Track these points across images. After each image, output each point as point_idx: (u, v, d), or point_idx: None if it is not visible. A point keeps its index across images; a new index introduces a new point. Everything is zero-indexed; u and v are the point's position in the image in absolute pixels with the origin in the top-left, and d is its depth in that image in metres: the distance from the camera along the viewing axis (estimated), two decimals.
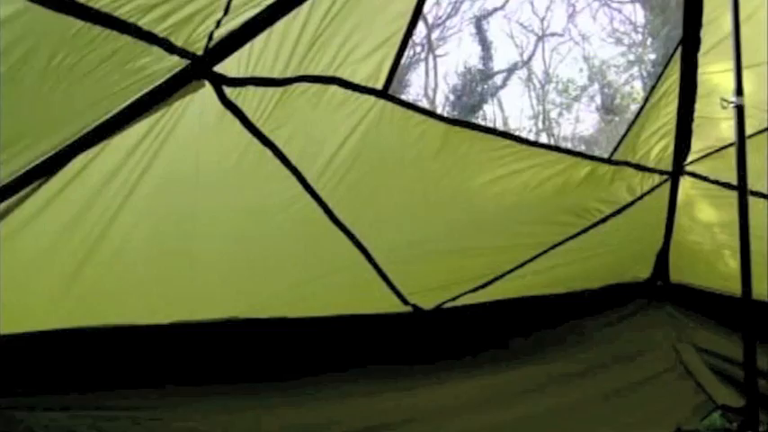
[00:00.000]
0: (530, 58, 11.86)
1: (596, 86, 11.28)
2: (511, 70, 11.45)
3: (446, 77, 12.02)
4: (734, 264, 2.49)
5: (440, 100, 11.77)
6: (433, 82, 11.71)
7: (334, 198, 1.79)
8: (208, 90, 1.35)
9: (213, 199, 1.65)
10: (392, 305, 2.24)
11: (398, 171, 1.87)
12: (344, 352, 2.22)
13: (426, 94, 11.72)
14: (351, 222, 1.88)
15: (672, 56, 2.01)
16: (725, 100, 1.65)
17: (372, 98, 1.64)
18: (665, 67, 2.07)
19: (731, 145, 2.01)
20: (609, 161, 2.31)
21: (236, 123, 1.46)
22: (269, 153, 1.58)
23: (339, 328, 2.16)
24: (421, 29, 11.33)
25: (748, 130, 1.91)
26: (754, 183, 2.03)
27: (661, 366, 2.51)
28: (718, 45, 1.76)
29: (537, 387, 2.32)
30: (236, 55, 1.30)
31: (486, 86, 11.17)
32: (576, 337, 2.61)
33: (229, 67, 1.34)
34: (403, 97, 12.09)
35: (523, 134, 13.06)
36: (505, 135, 2.09)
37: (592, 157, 2.29)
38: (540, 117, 12.48)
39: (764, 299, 2.24)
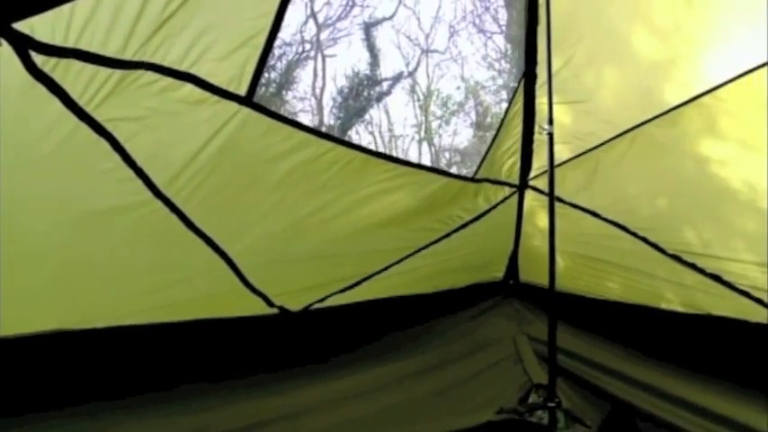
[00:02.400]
0: (414, 70, 12.62)
1: (471, 104, 12.54)
2: (396, 79, 12.03)
3: (335, 79, 12.12)
4: (563, 264, 3.00)
5: (327, 100, 11.81)
6: (321, 81, 11.69)
7: (190, 204, 1.63)
8: (6, 52, 1.08)
9: (27, 188, 1.37)
10: (258, 307, 2.16)
11: (264, 181, 1.78)
12: (207, 357, 2.07)
13: (314, 93, 11.66)
14: (209, 228, 1.74)
15: (518, 85, 2.34)
16: (541, 127, 1.97)
17: (235, 104, 1.53)
18: (514, 94, 2.40)
19: (558, 165, 2.44)
20: (472, 180, 2.57)
21: (56, 102, 1.22)
22: (105, 145, 1.36)
23: (200, 333, 2.01)
24: (311, 26, 11.23)
25: (568, 154, 2.33)
26: (573, 196, 2.50)
27: (501, 356, 2.85)
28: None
29: (393, 383, 2.45)
30: (51, 18, 1.07)
31: (372, 92, 11.55)
32: (434, 334, 2.82)
33: (41, 30, 1.10)
34: (290, 94, 11.82)
35: (406, 141, 13.79)
36: (376, 154, 2.14)
37: (458, 177, 2.53)
38: (423, 127, 13.36)
39: (577, 291, 2.79)
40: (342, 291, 2.41)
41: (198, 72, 1.40)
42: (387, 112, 13.35)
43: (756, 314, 2.00)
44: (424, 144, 13.66)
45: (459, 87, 12.38)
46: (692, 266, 2.11)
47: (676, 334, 2.36)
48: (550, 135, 1.90)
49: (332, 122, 11.46)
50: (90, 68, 1.21)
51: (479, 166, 2.69)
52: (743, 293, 2.00)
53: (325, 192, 1.99)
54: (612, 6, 1.77)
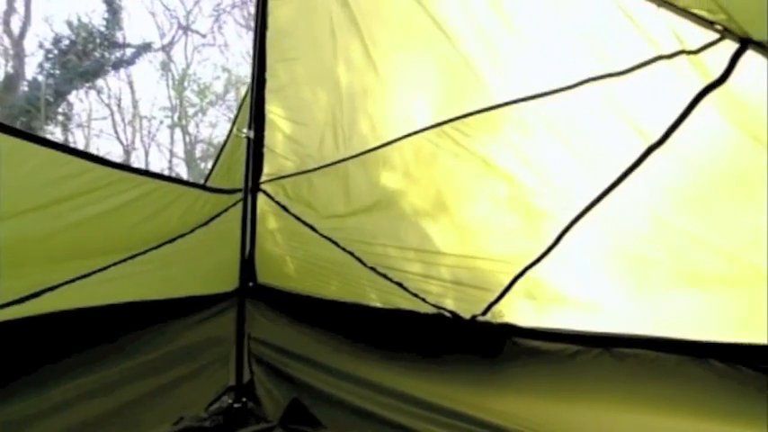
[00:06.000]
0: (169, 46, 11.06)
1: (233, 97, 11.94)
2: (144, 49, 10.19)
3: (49, 21, 9.24)
4: (293, 267, 3.15)
5: (32, 47, 8.84)
6: (22, 18, 8.65)
7: None
8: None
9: None
10: None
11: None
12: None
13: (7, 30, 8.50)
14: None
15: (248, 89, 2.28)
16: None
17: None
18: (245, 97, 2.34)
19: (284, 177, 2.53)
20: (204, 187, 2.41)
21: None
22: None
23: None
24: None
25: (290, 168, 2.44)
26: (296, 208, 2.60)
27: (211, 359, 2.77)
28: (278, 92, 2.14)
29: (94, 393, 2.26)
30: None
31: (108, 55, 9.36)
32: (144, 342, 2.59)
33: None
34: None
35: (155, 124, 11.95)
36: (68, 150, 1.79)
37: (186, 183, 2.40)
38: (177, 112, 11.85)
39: (305, 292, 2.96)
40: (17, 302, 1.91)
41: None
42: (130, 85, 11.20)
43: (424, 307, 2.61)
44: (177, 131, 12.17)
45: (219, 77, 11.62)
46: (384, 276, 2.57)
47: (379, 324, 2.81)
48: (248, 138, 1.93)
49: (40, 78, 8.55)
50: None
51: (212, 170, 2.54)
52: (415, 295, 2.56)
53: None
54: (324, 35, 1.93)
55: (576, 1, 1.47)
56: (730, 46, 1.31)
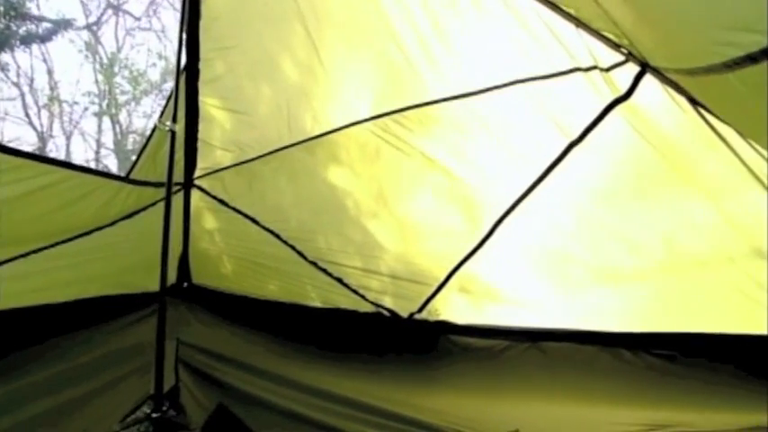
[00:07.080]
0: (96, 25, 10.13)
1: (169, 87, 11.20)
2: (63, 25, 9.20)
3: None
4: (230, 267, 3.03)
5: None
6: None
7: None
8: None
9: None
10: None
11: None
12: None
13: None
14: None
15: (178, 79, 2.14)
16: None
17: None
18: (177, 86, 2.19)
19: (223, 169, 2.41)
20: (126, 179, 2.25)
21: None
22: None
23: None
24: None
25: (229, 161, 2.36)
26: (236, 201, 2.50)
27: (134, 366, 2.61)
28: (214, 82, 2.04)
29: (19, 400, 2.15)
30: None
31: (16, 27, 8.31)
32: (64, 349, 2.42)
33: None
34: None
35: (77, 111, 10.93)
36: None
37: (101, 173, 2.26)
38: (106, 99, 10.91)
39: (243, 292, 2.85)
40: None
41: None
42: (47, 64, 10.11)
43: (364, 306, 2.62)
44: (106, 119, 11.20)
45: (155, 65, 10.82)
46: (324, 271, 2.55)
47: (317, 324, 2.77)
48: (172, 132, 1.83)
49: None
50: None
51: (136, 162, 2.37)
52: (355, 292, 2.56)
53: None
54: (265, 23, 1.89)
55: (503, 14, 1.56)
56: (634, 68, 1.47)
